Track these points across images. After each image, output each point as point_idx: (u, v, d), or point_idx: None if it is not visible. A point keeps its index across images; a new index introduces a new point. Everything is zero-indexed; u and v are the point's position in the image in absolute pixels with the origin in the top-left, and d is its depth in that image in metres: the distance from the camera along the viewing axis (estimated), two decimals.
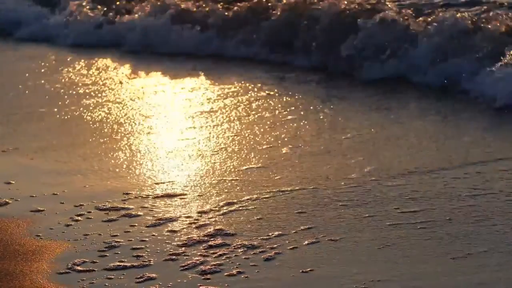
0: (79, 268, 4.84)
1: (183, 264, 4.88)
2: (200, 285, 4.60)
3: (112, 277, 4.71)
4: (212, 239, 5.24)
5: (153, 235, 5.31)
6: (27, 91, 9.82)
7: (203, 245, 5.15)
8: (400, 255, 4.96)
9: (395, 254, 4.97)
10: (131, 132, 7.92)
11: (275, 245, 5.13)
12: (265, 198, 5.96)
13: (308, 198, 5.92)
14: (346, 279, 4.65)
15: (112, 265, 4.87)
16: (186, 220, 5.57)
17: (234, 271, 4.79)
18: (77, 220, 5.60)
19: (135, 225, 5.47)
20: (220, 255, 5.02)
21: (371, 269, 4.78)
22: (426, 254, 4.95)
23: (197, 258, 4.95)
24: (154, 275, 4.74)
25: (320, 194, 6.00)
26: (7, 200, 5.98)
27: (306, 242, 5.18)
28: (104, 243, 5.16)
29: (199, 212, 5.70)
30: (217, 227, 5.42)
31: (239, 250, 5.08)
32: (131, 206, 5.81)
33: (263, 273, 4.77)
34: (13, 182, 6.40)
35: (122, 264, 4.89)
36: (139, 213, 5.68)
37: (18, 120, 8.49)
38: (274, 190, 6.10)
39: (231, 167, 6.70)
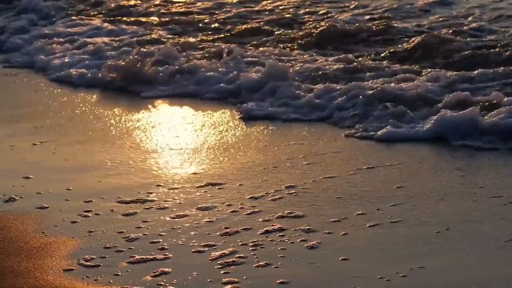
0: (87, 263, 4.80)
1: (213, 255, 4.84)
2: (210, 280, 4.52)
3: (119, 273, 4.64)
4: (268, 226, 5.26)
5: (184, 226, 5.31)
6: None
7: (251, 233, 5.17)
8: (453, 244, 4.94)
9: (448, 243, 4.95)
10: (164, 124, 8.03)
11: (330, 230, 5.15)
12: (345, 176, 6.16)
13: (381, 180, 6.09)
14: (374, 272, 4.58)
15: (132, 258, 4.84)
16: (229, 209, 5.61)
17: (263, 262, 4.74)
18: (86, 216, 5.57)
19: (162, 217, 5.47)
20: (256, 245, 4.97)
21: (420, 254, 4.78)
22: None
23: (231, 249, 4.91)
24: (168, 269, 4.68)
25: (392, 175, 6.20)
26: (13, 196, 5.97)
27: (368, 225, 5.24)
28: (124, 237, 5.14)
29: (253, 198, 5.78)
30: (279, 211, 5.49)
31: (287, 237, 5.07)
32: (163, 197, 5.84)
33: (293, 265, 4.71)
34: (32, 176, 6.42)
35: (141, 257, 4.85)
36: (167, 204, 5.68)
37: (55, 116, 8.55)
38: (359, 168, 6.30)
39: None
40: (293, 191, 5.90)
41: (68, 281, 4.58)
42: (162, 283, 4.53)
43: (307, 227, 5.22)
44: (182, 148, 7.20)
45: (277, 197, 5.79)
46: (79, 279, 4.61)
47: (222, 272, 4.64)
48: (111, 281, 4.58)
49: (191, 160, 6.82)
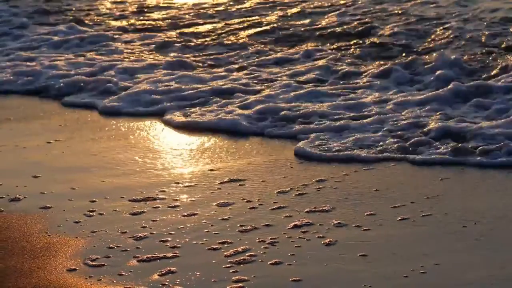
0: (91, 263, 4.80)
1: (226, 253, 4.85)
2: (214, 280, 4.52)
3: (123, 273, 4.66)
4: (294, 222, 5.28)
5: (201, 223, 5.34)
6: None
7: (271, 230, 5.19)
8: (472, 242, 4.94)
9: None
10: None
11: (358, 224, 5.20)
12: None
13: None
14: (391, 269, 4.58)
15: (137, 257, 4.85)
16: (249, 205, 5.64)
17: (276, 260, 4.74)
18: (90, 216, 5.58)
19: (174, 215, 5.49)
20: (274, 242, 4.98)
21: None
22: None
23: (244, 247, 4.92)
24: (174, 268, 4.68)
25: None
26: (17, 196, 5.99)
27: (399, 218, 5.28)
28: (131, 236, 5.15)
29: (279, 193, 5.83)
30: (307, 206, 5.54)
31: (306, 234, 5.08)
32: (175, 195, 5.87)
33: (304, 263, 4.70)
34: (35, 176, 6.44)
35: (148, 256, 4.85)
36: (180, 202, 5.72)
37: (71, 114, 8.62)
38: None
39: None
40: (322, 186, 5.96)
41: (71, 281, 4.58)
42: (166, 283, 4.52)
43: (337, 222, 5.26)
44: (193, 147, 7.23)
45: (303, 192, 5.83)
46: (82, 279, 4.61)
47: (232, 270, 4.64)
48: (115, 281, 4.58)
49: (206, 158, 6.85)
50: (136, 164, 6.68)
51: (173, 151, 7.09)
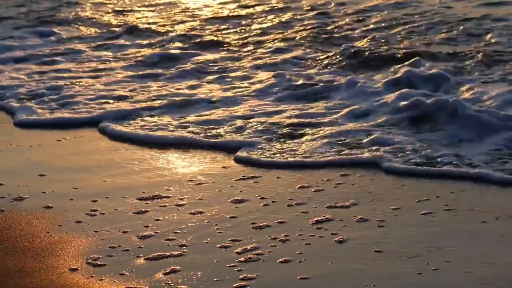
0: (94, 262, 4.80)
1: (236, 251, 4.83)
2: (216, 279, 4.48)
3: (125, 272, 4.63)
4: (313, 218, 5.27)
5: (213, 221, 5.33)
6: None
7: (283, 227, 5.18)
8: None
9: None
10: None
11: (382, 218, 5.19)
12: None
13: None
14: (404, 266, 4.52)
15: (140, 257, 4.84)
16: (262, 202, 5.62)
17: (285, 258, 4.71)
18: (93, 215, 5.58)
19: (175, 214, 5.48)
20: (285, 240, 4.95)
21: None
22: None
23: (254, 245, 4.89)
24: (178, 267, 4.66)
25: None
26: (19, 196, 6.00)
27: (423, 212, 5.28)
28: (136, 235, 5.14)
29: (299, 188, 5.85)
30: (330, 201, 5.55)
31: (320, 231, 5.05)
32: (182, 193, 5.87)
33: (312, 262, 4.66)
34: (46, 174, 6.48)
35: (150, 256, 4.84)
36: (191, 200, 5.70)
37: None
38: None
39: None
40: (342, 181, 5.97)
41: (73, 281, 4.59)
42: (169, 282, 4.49)
43: (360, 217, 5.25)
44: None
45: (320, 188, 5.82)
46: (84, 279, 4.61)
47: (238, 269, 4.61)
48: (117, 280, 4.58)
49: (214, 156, 6.85)
50: (137, 164, 6.69)
51: (175, 151, 7.09)
